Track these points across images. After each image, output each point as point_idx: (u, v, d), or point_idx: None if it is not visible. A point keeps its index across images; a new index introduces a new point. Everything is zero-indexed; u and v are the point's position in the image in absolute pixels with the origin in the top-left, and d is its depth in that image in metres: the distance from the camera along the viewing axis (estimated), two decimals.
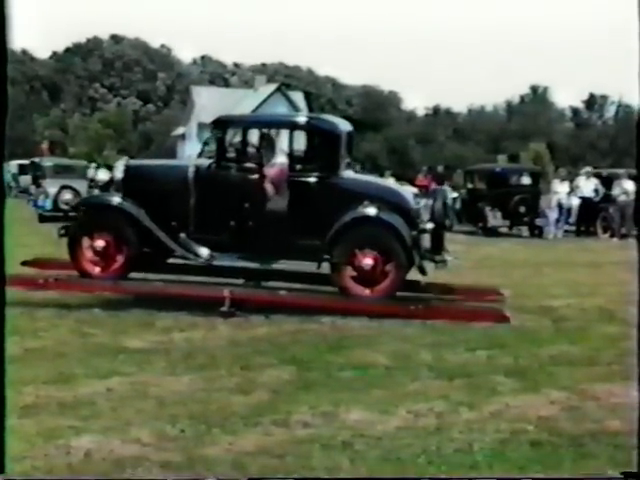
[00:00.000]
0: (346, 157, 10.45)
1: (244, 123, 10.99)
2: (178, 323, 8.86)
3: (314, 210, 9.95)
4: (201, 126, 52.52)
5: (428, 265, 10.18)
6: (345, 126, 10.80)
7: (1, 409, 3.65)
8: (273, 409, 5.81)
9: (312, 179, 10.05)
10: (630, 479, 4.20)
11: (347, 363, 7.23)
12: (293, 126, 10.87)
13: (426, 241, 10.36)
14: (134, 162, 11.70)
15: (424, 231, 10.24)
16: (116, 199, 10.37)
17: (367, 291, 9.77)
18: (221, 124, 10.55)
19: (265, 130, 10.78)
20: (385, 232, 9.82)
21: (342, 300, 9.82)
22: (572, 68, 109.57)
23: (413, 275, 10.25)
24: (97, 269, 10.13)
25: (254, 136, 10.76)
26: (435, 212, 10.73)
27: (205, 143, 11.96)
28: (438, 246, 10.53)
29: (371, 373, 6.92)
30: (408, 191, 11.21)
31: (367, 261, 9.68)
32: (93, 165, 34.15)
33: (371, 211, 9.86)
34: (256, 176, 10.07)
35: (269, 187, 9.94)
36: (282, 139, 10.81)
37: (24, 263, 10.73)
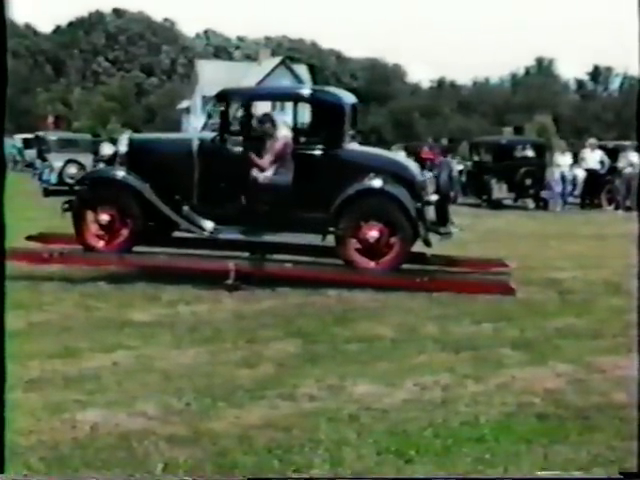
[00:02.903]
0: (350, 129, 10.39)
1: (247, 96, 10.90)
2: (183, 296, 8.84)
3: (319, 183, 9.90)
4: (205, 99, 52.66)
5: (433, 237, 10.14)
6: (349, 98, 10.73)
7: (1, 405, 3.59)
8: (279, 382, 5.81)
9: (316, 152, 10.00)
10: (630, 479, 4.18)
11: (353, 336, 7.22)
12: (297, 98, 10.82)
13: (431, 213, 10.32)
14: (138, 136, 11.62)
15: (429, 203, 10.20)
16: (120, 173, 10.31)
17: (372, 263, 9.74)
18: (224, 97, 10.48)
19: (268, 103, 10.70)
20: (390, 204, 9.77)
21: (347, 272, 9.78)
22: (577, 39, 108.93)
23: (418, 247, 10.23)
24: (102, 243, 10.12)
25: (257, 109, 10.68)
26: (440, 184, 10.67)
27: (209, 116, 11.86)
28: (443, 218, 10.50)
29: (377, 346, 6.91)
30: (414, 164, 11.13)
31: (372, 233, 9.65)
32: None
33: (376, 183, 9.81)
34: (259, 149, 10.00)
35: (273, 160, 9.87)
36: (286, 112, 10.74)
37: (29, 238, 10.71)
